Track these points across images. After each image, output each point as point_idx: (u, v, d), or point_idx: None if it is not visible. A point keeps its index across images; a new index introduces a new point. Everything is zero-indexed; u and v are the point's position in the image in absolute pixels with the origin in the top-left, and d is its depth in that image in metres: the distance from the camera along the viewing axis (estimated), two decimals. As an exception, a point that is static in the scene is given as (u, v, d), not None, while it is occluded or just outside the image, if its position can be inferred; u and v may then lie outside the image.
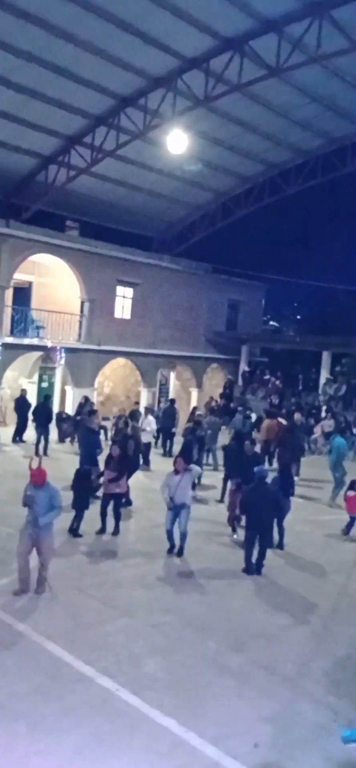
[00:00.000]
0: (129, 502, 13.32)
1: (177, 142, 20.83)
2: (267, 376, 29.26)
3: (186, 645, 7.76)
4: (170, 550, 10.78)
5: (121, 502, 11.91)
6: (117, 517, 11.61)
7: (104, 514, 11.51)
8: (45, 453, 17.69)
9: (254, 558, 10.28)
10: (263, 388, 28.40)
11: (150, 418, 18.48)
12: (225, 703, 6.61)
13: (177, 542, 10.77)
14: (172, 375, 30.03)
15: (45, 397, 20.71)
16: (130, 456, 13.27)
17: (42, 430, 18.43)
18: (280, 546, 11.60)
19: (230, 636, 8.12)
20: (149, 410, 19.63)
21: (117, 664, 7.08)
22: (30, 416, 19.75)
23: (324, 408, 25.14)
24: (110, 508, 11.56)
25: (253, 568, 10.23)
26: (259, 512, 10.20)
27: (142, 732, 5.98)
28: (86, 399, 21.45)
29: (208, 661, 7.43)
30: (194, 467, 11.84)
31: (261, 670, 7.35)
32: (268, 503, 10.42)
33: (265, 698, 6.77)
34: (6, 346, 22.02)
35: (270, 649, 7.93)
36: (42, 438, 18.27)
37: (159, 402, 26.51)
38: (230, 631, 8.25)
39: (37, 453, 17.32)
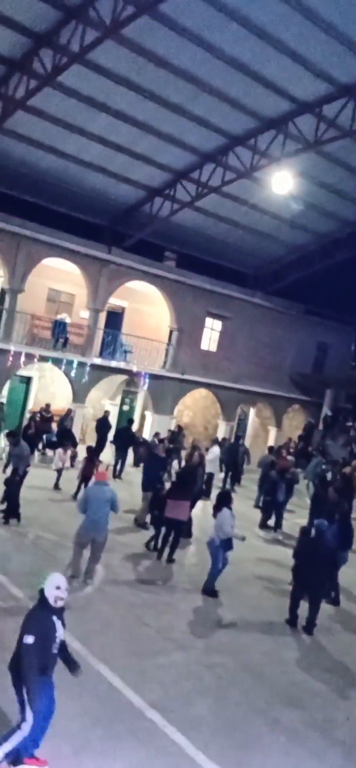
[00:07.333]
0: (189, 534, 13.32)
1: (282, 182, 20.82)
2: (350, 423, 28.41)
3: (238, 691, 7.70)
4: (215, 594, 10.48)
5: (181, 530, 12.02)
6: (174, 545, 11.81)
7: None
8: (119, 476, 18.11)
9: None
10: (345, 435, 27.61)
11: (215, 448, 18.49)
12: (273, 759, 6.49)
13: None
14: (252, 411, 29.82)
15: (128, 421, 20.99)
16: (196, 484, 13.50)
17: (120, 453, 18.71)
18: (335, 602, 11.14)
19: (285, 689, 7.98)
20: (214, 441, 19.66)
21: (167, 699, 7.12)
22: (109, 437, 20.11)
23: None
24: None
25: (296, 621, 9.87)
26: (308, 568, 9.82)
27: (184, 773, 5.97)
28: (180, 428, 21.70)
29: (259, 711, 7.33)
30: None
31: (313, 730, 7.19)
32: (322, 559, 9.99)
33: (315, 760, 6.62)
34: (94, 366, 22.58)
35: (324, 709, 7.74)
36: (120, 461, 18.56)
37: (237, 437, 26.39)
38: (285, 684, 8.11)
39: (114, 475, 17.82)
